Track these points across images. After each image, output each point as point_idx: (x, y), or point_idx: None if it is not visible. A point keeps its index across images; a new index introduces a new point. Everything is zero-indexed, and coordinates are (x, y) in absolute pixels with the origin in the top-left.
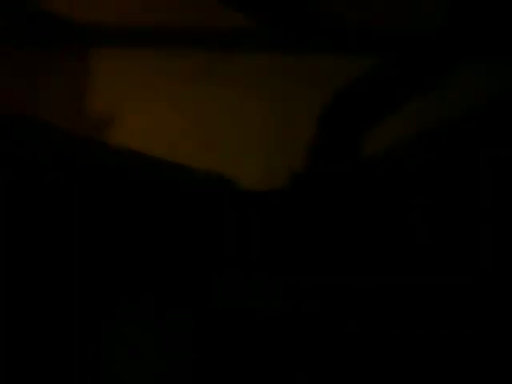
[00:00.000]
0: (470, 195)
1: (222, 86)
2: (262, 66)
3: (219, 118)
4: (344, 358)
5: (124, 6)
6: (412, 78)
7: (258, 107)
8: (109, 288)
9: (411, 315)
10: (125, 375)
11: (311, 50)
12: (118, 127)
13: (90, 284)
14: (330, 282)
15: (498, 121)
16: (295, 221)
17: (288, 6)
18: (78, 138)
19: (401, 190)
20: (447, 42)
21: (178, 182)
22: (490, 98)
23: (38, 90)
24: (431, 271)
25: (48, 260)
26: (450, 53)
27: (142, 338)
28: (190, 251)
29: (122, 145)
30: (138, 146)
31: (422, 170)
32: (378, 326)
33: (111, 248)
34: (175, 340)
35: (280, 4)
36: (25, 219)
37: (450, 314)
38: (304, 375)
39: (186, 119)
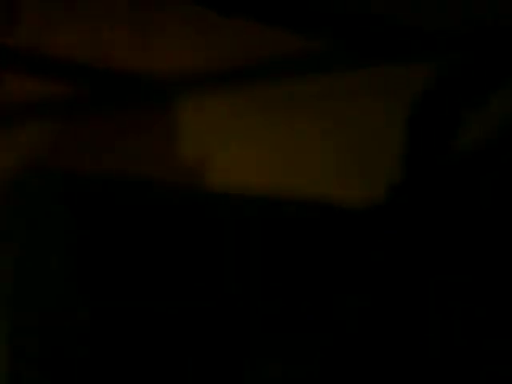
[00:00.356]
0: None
1: (301, 112)
2: (335, 86)
3: (304, 145)
4: None
5: (190, 52)
6: (495, 74)
7: (339, 128)
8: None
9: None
10: None
11: (381, 62)
12: (210, 172)
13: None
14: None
15: None
16: (403, 232)
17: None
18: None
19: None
20: None
21: (281, 214)
22: None
23: (124, 152)
24: None
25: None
26: None
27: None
28: (303, 278)
29: (217, 188)
30: (232, 187)
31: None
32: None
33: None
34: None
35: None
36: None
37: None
38: None
39: (273, 152)
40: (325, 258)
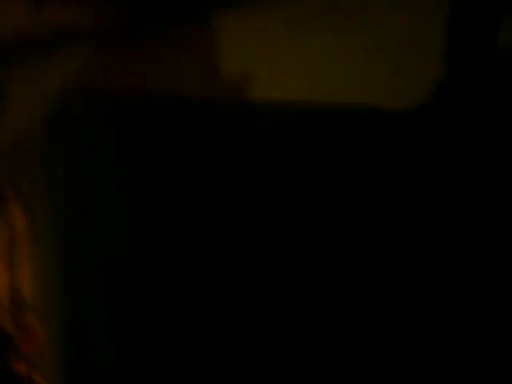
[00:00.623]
0: None
1: (340, 22)
2: None
3: (342, 56)
4: None
5: None
6: None
7: (377, 36)
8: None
9: None
10: None
11: None
12: (252, 86)
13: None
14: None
15: None
16: (447, 133)
17: None
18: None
19: None
20: None
21: (328, 117)
22: None
23: (170, 66)
24: None
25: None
26: None
27: None
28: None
29: (259, 99)
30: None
31: None
32: None
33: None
34: None
35: None
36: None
37: None
38: None
39: (312, 63)
40: (372, 163)
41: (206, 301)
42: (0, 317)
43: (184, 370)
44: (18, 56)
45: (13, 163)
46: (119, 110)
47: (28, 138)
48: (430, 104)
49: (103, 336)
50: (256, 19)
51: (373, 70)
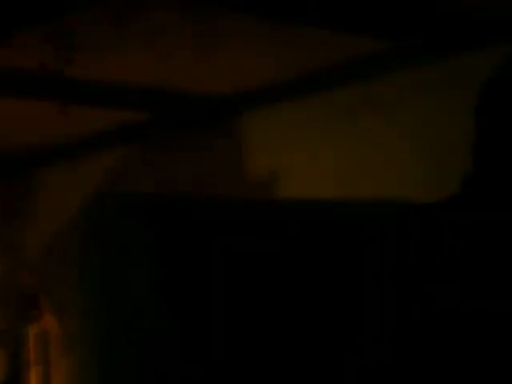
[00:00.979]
0: None
1: (375, 113)
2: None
3: (379, 146)
4: None
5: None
6: None
7: (415, 127)
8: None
9: None
10: None
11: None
12: (283, 180)
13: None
14: None
15: None
16: (476, 225)
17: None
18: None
19: None
20: None
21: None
22: None
23: (198, 166)
24: None
25: None
26: None
27: None
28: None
29: (289, 196)
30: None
31: None
32: None
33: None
34: None
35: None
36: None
37: None
38: None
39: (342, 153)
40: (403, 252)
41: None
42: None
43: None
44: (48, 159)
45: (44, 266)
46: (153, 212)
47: (60, 240)
48: (459, 196)
49: None
50: (283, 115)
51: (411, 159)
